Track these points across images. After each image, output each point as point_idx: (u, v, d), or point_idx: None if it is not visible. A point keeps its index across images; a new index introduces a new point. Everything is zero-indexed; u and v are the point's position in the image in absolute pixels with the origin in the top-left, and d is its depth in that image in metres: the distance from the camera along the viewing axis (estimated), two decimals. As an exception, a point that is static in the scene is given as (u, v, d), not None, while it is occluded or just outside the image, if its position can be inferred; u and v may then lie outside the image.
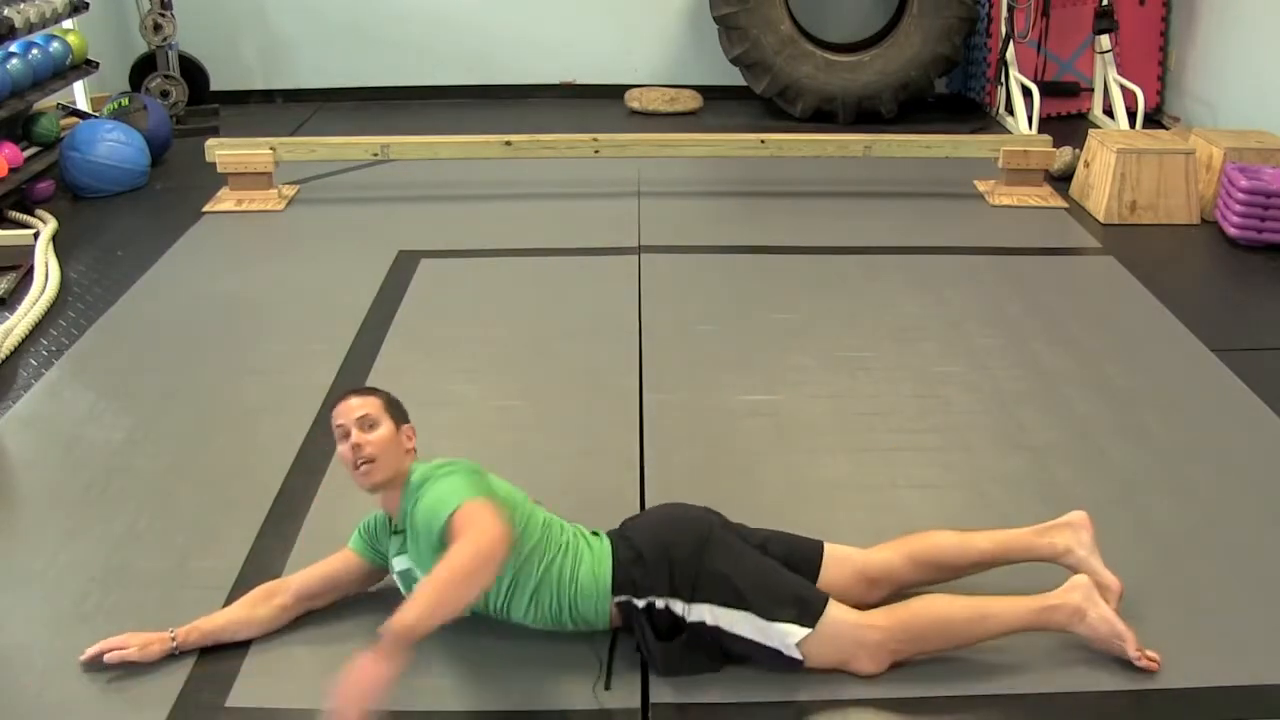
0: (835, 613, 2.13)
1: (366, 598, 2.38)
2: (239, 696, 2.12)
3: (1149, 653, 2.16)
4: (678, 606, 2.15)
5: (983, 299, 3.90)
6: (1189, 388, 3.31)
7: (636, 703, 2.10)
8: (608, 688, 2.14)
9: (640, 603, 2.16)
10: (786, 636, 2.11)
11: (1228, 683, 2.16)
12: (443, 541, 2.03)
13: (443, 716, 2.09)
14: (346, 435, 2.19)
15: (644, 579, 2.16)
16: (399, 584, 2.25)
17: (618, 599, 2.18)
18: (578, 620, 2.20)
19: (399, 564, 2.24)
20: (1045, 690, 2.13)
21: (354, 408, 2.22)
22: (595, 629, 2.22)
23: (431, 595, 1.88)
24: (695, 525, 2.23)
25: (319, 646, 2.25)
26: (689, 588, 2.14)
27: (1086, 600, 2.18)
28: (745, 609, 2.13)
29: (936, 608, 2.19)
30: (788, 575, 2.19)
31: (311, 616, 2.33)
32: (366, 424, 2.19)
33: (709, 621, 2.14)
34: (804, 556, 2.27)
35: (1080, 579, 2.23)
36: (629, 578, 2.17)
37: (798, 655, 2.11)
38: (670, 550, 2.17)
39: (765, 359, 3.48)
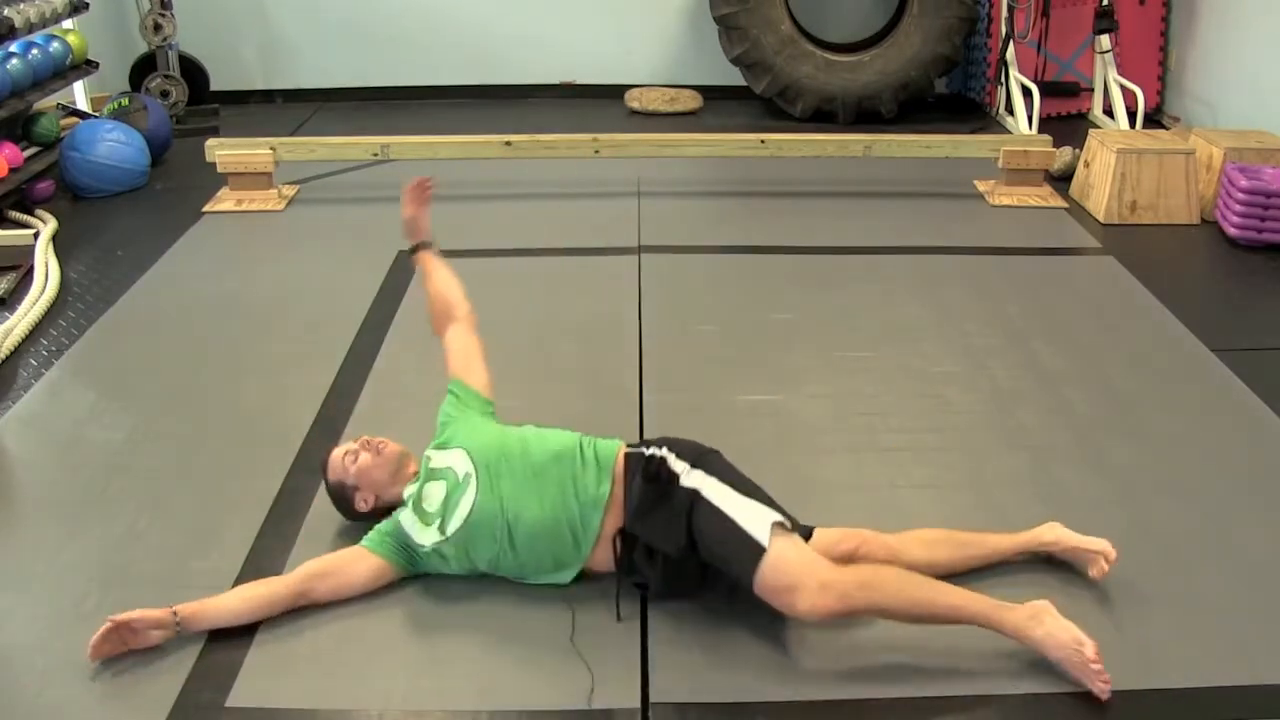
0: (805, 542, 2.26)
1: (366, 606, 2.38)
2: (239, 696, 2.12)
3: (1104, 675, 2.09)
4: (678, 465, 2.33)
5: (983, 299, 3.90)
6: (1189, 388, 3.31)
7: (636, 703, 2.10)
8: (619, 619, 2.29)
9: (647, 450, 2.36)
10: (766, 518, 2.21)
11: (1228, 683, 2.16)
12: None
13: (443, 716, 2.09)
14: (355, 450, 2.53)
15: (653, 442, 2.41)
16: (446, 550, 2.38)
17: (628, 449, 2.40)
18: (582, 496, 2.33)
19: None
20: (1045, 690, 2.13)
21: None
22: (598, 503, 2.33)
23: None
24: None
25: (319, 646, 2.26)
26: (691, 459, 2.35)
27: (1046, 610, 2.16)
28: (735, 489, 2.29)
29: (896, 569, 2.25)
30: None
31: (311, 617, 2.33)
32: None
33: (702, 490, 2.28)
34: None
35: (1043, 603, 2.19)
36: (639, 444, 2.43)
37: (765, 541, 2.17)
38: (679, 444, 2.41)
39: (765, 359, 3.48)
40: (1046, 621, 2.14)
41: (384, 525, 2.44)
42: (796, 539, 2.24)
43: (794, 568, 2.16)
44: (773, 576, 2.16)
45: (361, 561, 2.39)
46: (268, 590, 2.33)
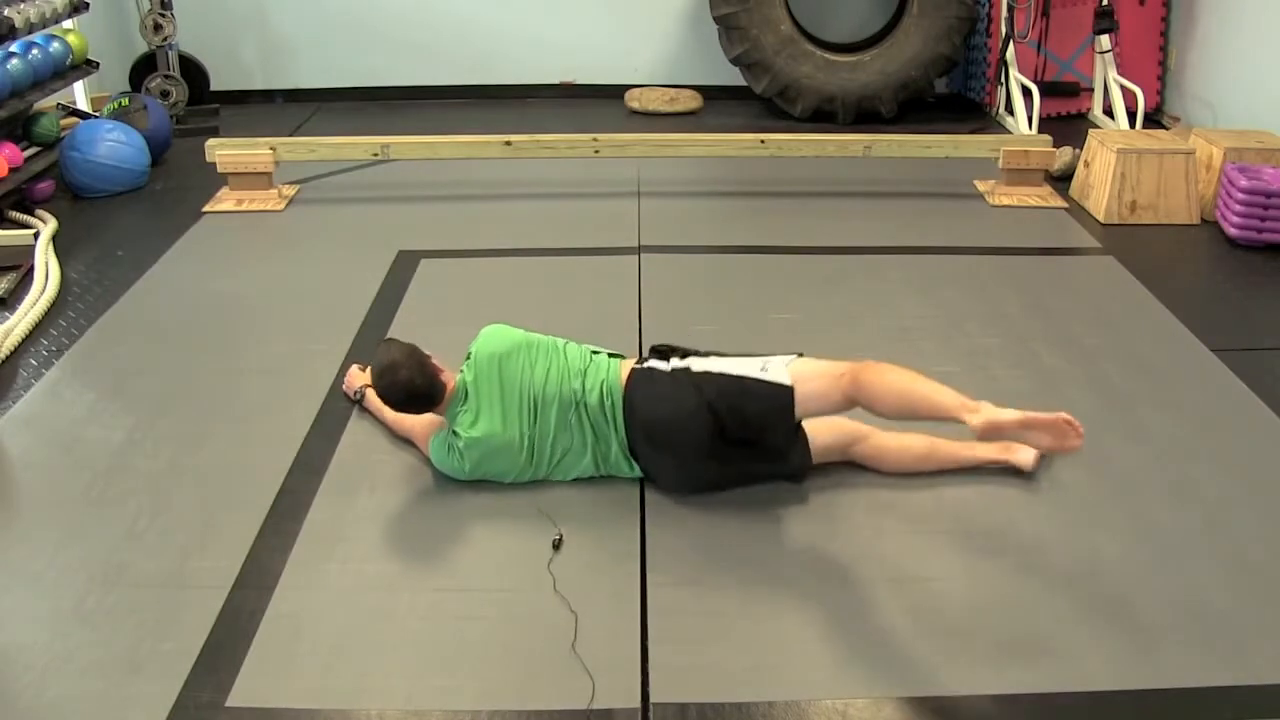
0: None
1: (366, 606, 2.38)
2: (239, 696, 2.12)
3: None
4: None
5: (983, 299, 3.90)
6: (1189, 388, 3.31)
7: (636, 703, 2.10)
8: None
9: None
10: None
11: (1228, 683, 2.16)
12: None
13: (443, 716, 2.09)
14: None
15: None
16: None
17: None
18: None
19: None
20: (1045, 690, 2.13)
21: None
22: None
23: None
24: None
25: (319, 646, 2.26)
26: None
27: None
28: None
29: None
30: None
31: (311, 617, 2.33)
32: None
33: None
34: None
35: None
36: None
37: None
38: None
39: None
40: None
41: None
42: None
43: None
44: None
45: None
46: None
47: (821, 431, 2.72)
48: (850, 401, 2.48)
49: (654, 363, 2.74)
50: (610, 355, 2.82)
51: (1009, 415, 2.29)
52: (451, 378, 2.73)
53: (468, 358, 2.77)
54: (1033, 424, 2.29)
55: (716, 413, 2.55)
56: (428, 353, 2.71)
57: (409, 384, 2.64)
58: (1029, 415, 2.28)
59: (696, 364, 2.67)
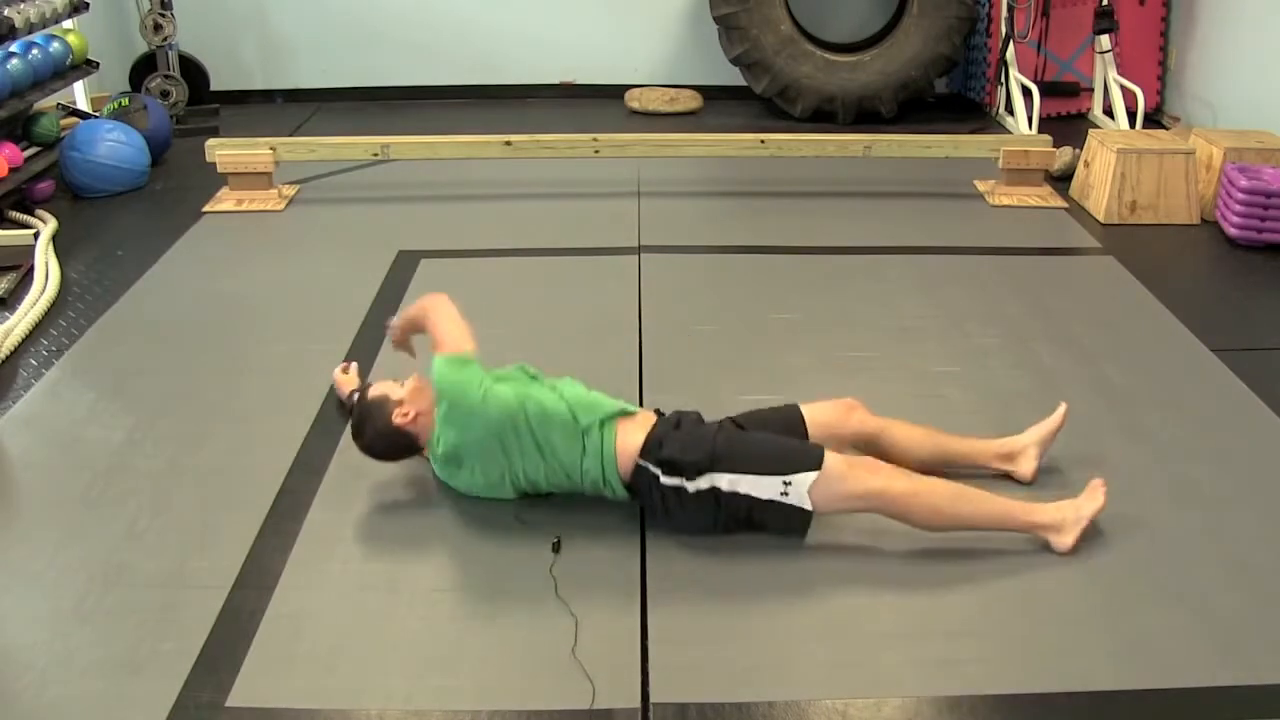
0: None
1: (367, 606, 2.38)
2: (239, 696, 2.12)
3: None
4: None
5: (983, 299, 3.90)
6: (1189, 388, 3.31)
7: (636, 703, 2.10)
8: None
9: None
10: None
11: (1228, 683, 2.16)
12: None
13: (443, 716, 2.09)
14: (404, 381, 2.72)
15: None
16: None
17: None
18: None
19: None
20: (1045, 690, 2.13)
21: None
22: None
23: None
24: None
25: (319, 646, 2.26)
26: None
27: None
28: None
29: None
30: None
31: (311, 617, 2.33)
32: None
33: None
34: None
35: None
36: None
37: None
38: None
39: (765, 359, 3.48)
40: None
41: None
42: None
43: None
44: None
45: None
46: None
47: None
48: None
49: (674, 481, 2.50)
50: (603, 423, 2.56)
51: (1086, 514, 2.54)
52: (424, 410, 2.64)
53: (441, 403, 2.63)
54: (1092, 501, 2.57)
55: (730, 523, 2.52)
56: (396, 398, 2.64)
57: (371, 451, 2.71)
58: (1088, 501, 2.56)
59: (724, 484, 2.48)
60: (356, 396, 2.78)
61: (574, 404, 2.56)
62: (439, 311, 2.70)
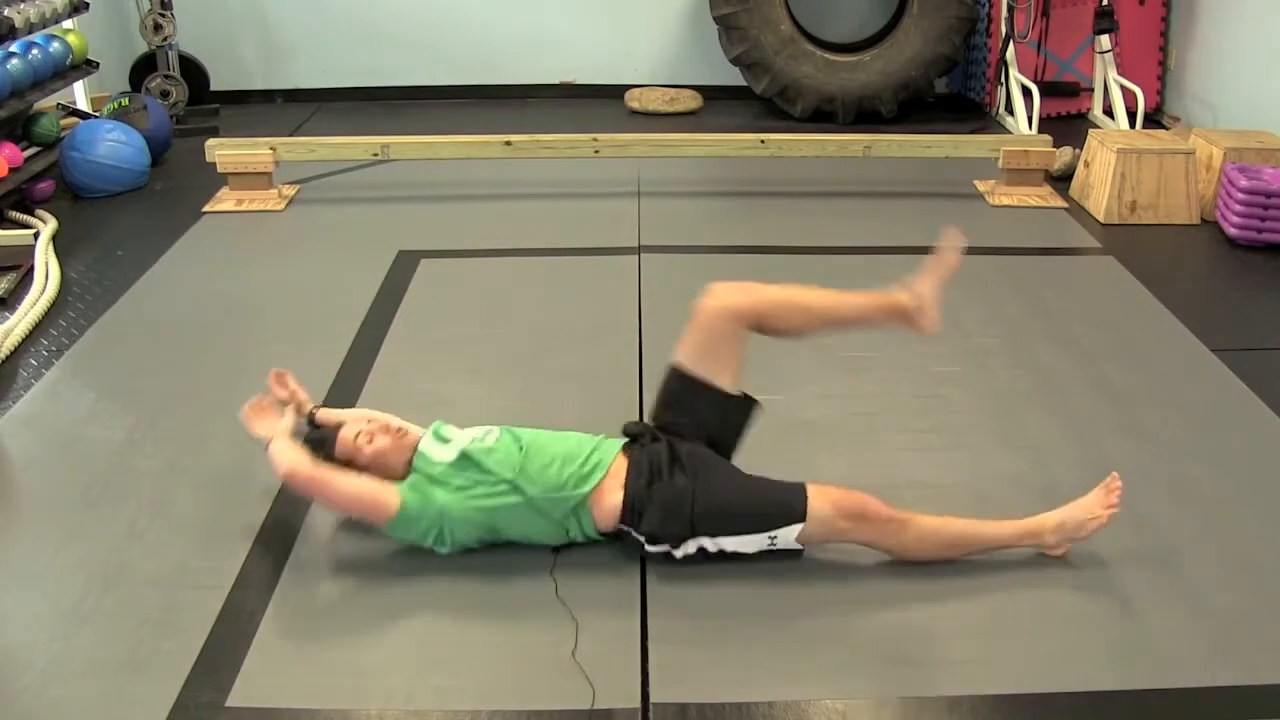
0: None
1: (367, 606, 2.38)
2: (239, 696, 2.12)
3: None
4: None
5: (983, 299, 3.90)
6: (1189, 388, 3.31)
7: (636, 703, 2.10)
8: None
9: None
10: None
11: (1228, 683, 2.16)
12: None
13: (443, 716, 2.09)
14: (371, 431, 2.53)
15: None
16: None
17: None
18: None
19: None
20: (1045, 690, 2.13)
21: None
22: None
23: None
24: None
25: (319, 646, 2.26)
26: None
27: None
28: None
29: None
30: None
31: (311, 617, 2.33)
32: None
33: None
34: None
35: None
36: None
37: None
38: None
39: (765, 359, 3.47)
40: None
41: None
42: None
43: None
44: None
45: (373, 480, 2.44)
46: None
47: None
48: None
49: (660, 549, 2.44)
50: (576, 507, 2.43)
51: (1083, 534, 2.48)
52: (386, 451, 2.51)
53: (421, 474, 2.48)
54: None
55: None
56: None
57: None
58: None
59: (710, 545, 2.42)
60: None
61: (544, 497, 2.41)
62: (322, 485, 2.42)
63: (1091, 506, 2.47)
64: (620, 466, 2.46)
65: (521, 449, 2.45)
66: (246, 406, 2.71)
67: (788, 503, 2.39)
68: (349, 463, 2.50)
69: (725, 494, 2.42)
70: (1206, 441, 3.01)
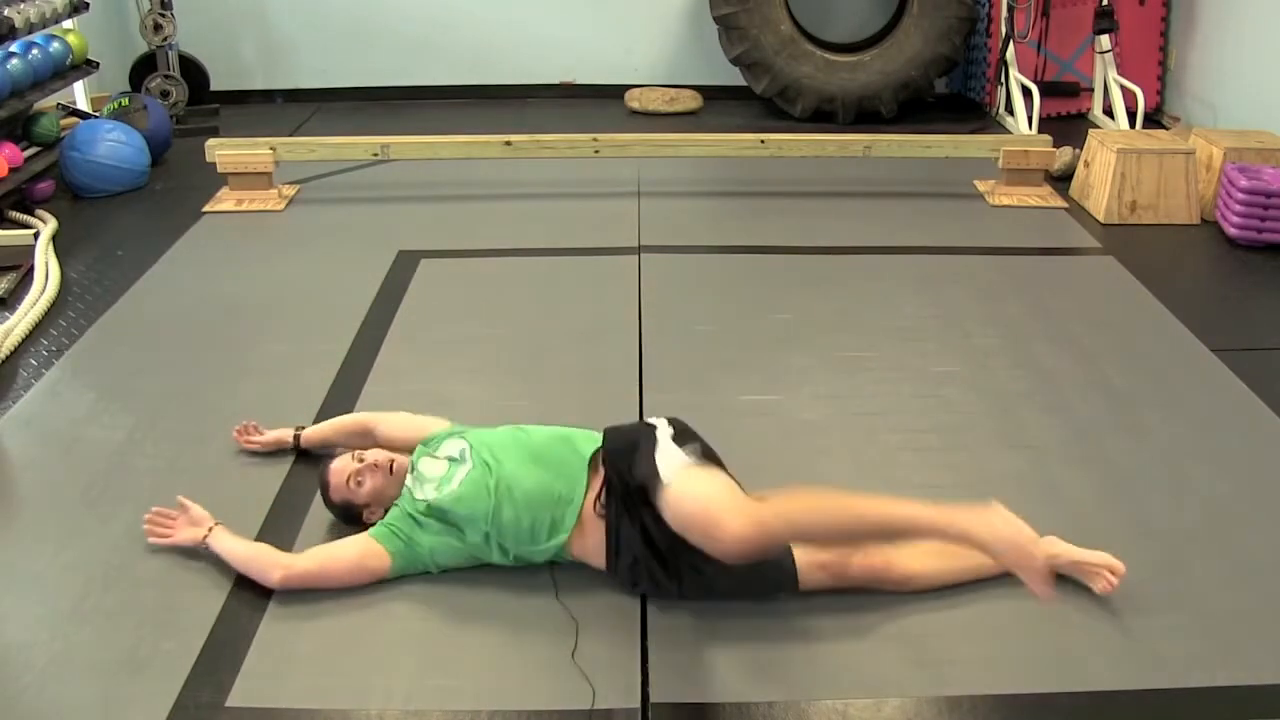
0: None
1: (367, 606, 2.38)
2: (239, 696, 2.12)
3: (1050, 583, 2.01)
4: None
5: (983, 299, 3.90)
6: (1189, 388, 3.31)
7: (636, 703, 2.10)
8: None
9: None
10: (682, 460, 2.22)
11: (1228, 683, 2.16)
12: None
13: (443, 716, 2.09)
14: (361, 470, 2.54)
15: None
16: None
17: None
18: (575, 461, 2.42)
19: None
20: (1045, 690, 2.13)
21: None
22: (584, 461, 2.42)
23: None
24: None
25: (319, 646, 2.26)
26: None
27: (993, 510, 2.03)
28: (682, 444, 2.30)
29: (814, 492, 2.18)
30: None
31: (312, 617, 2.33)
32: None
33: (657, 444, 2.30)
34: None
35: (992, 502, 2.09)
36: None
37: (668, 476, 2.19)
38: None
39: (765, 359, 3.48)
40: (995, 521, 2.00)
41: (391, 517, 2.46)
42: (712, 474, 2.22)
43: (701, 499, 2.12)
44: (678, 506, 2.14)
45: (359, 545, 2.42)
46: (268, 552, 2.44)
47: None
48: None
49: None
50: (558, 550, 2.38)
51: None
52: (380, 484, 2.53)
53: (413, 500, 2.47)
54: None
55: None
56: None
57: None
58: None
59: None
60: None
61: (521, 549, 2.39)
62: (317, 577, 2.39)
63: (1097, 563, 2.38)
64: (598, 526, 2.35)
65: (492, 487, 2.36)
66: (149, 522, 2.55)
67: (778, 576, 2.33)
68: (348, 505, 2.53)
69: (714, 582, 2.31)
70: (1206, 441, 3.01)
